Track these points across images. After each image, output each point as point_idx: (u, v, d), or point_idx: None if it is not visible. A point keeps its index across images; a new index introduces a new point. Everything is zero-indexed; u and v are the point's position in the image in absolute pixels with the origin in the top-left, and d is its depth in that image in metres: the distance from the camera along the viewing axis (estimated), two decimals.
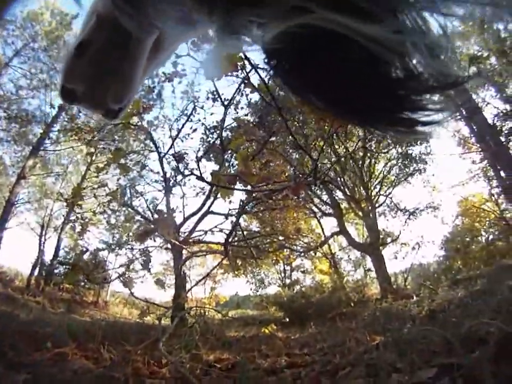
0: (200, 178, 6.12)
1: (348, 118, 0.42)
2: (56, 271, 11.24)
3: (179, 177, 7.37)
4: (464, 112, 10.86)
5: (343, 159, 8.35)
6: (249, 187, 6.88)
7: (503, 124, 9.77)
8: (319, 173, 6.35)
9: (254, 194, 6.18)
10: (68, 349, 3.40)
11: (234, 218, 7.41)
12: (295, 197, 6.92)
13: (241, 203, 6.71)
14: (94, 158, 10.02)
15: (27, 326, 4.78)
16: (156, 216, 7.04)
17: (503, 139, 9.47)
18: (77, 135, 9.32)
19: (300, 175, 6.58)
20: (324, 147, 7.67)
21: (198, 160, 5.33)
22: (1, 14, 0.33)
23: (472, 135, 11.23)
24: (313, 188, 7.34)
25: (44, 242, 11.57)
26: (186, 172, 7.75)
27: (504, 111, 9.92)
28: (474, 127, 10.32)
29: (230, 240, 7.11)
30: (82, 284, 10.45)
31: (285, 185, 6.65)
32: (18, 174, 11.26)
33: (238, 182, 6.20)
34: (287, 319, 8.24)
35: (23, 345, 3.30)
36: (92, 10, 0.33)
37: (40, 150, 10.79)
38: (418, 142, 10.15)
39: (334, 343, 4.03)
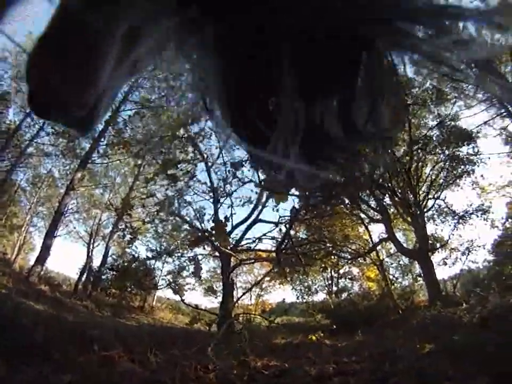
0: (259, 185, 6.23)
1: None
2: (103, 277, 11.79)
3: (228, 187, 7.51)
4: (510, 108, 10.19)
5: (389, 162, 8.11)
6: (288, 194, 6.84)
7: None
8: (376, 178, 6.24)
9: (309, 201, 6.17)
10: (115, 352, 3.47)
11: (283, 226, 7.43)
12: (355, 203, 6.82)
13: (293, 210, 6.72)
14: (141, 169, 10.47)
15: (75, 328, 4.82)
16: (207, 224, 7.20)
17: None
18: (124, 148, 9.83)
19: (359, 179, 6.48)
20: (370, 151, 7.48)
21: (256, 168, 5.42)
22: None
23: None
24: (365, 193, 7.19)
25: (92, 250, 12.22)
26: (234, 181, 7.90)
27: None
28: None
29: (281, 247, 7.13)
30: (129, 289, 10.86)
31: (344, 191, 6.60)
32: (67, 185, 11.99)
33: (293, 188, 6.22)
34: (334, 327, 8.08)
35: (71, 347, 3.38)
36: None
37: (88, 163, 11.47)
38: (465, 143, 9.69)
39: (383, 351, 3.89)
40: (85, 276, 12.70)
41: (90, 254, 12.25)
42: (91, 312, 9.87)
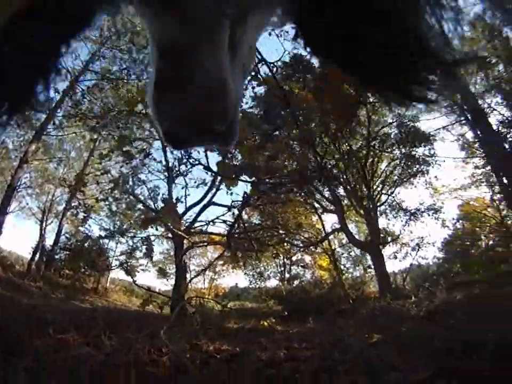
0: (207, 168, 6.13)
1: (358, 77, 0.49)
2: (56, 256, 11.27)
3: (182, 167, 7.34)
4: (469, 116, 10.77)
5: (346, 156, 8.32)
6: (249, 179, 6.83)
7: (508, 131, 9.70)
8: (325, 169, 6.36)
9: (259, 187, 6.18)
10: (70, 336, 3.40)
11: (236, 210, 7.41)
12: (300, 191, 6.92)
13: (245, 195, 6.72)
14: (97, 144, 9.95)
15: (30, 312, 4.74)
16: (161, 204, 7.03)
17: (506, 146, 9.41)
18: (80, 121, 9.26)
19: (308, 170, 6.59)
20: (328, 143, 7.64)
21: (206, 151, 5.32)
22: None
23: (476, 140, 11.15)
24: (317, 183, 7.33)
25: (45, 228, 11.59)
26: (189, 162, 7.73)
27: (510, 118, 9.83)
28: (479, 132, 10.24)
29: (232, 232, 7.13)
30: (83, 270, 10.48)
31: (291, 179, 6.68)
32: (20, 158, 11.17)
33: (243, 174, 6.21)
34: (286, 313, 8.25)
35: (26, 331, 3.27)
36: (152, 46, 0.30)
37: (43, 134, 10.71)
38: (422, 144, 10.14)
39: (333, 339, 4.03)
40: (38, 255, 12.07)
41: (43, 232, 11.62)
42: (45, 294, 9.56)
